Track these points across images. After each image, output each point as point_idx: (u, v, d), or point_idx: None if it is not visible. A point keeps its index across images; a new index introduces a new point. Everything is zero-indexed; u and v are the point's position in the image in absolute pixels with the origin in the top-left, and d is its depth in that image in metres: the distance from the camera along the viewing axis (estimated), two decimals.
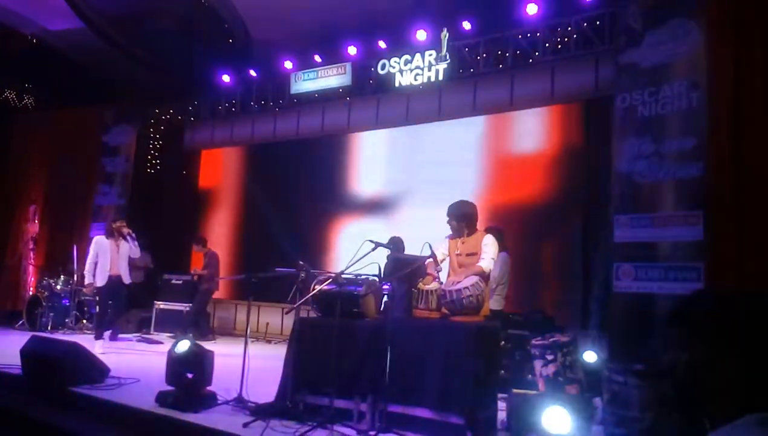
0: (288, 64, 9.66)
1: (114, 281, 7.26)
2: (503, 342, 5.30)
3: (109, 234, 7.41)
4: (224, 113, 10.71)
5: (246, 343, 4.66)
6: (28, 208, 11.01)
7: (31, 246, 10.47)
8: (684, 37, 5.63)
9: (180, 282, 9.07)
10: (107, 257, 7.24)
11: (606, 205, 6.26)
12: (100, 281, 7.18)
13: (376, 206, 9.03)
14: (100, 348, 6.73)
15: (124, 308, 7.81)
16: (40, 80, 11.79)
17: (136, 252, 7.57)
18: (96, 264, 7.19)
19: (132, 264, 10.25)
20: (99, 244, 7.30)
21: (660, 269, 5.55)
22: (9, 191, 11.35)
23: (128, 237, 7.39)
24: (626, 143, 5.95)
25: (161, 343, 7.87)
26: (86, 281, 7.34)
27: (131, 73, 10.54)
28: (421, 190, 8.56)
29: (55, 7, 9.14)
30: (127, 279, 7.45)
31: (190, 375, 4.16)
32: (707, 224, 5.22)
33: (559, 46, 7.47)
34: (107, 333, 7.34)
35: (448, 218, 4.58)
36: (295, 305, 4.22)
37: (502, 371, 5.12)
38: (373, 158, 9.28)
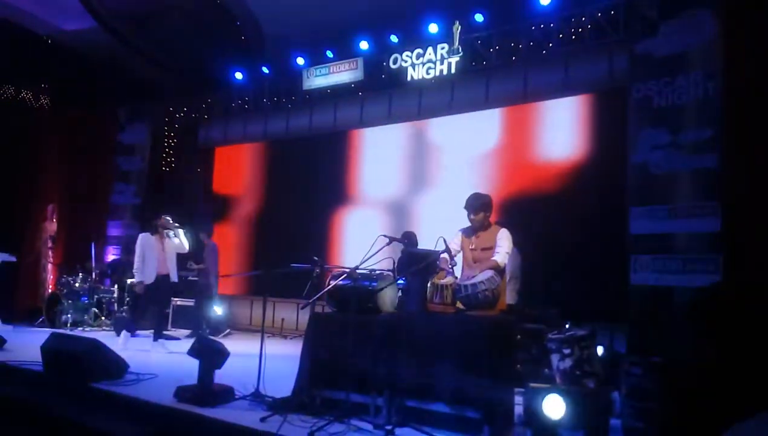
0: (300, 61, 9.68)
1: (161, 279, 7.08)
2: (519, 336, 5.27)
3: (154, 231, 7.18)
4: (237, 111, 10.76)
5: (262, 338, 4.70)
6: (45, 208, 11.16)
7: (49, 245, 10.63)
8: (699, 26, 5.54)
9: (197, 278, 9.14)
10: (154, 254, 7.02)
11: (621, 196, 6.20)
12: (149, 279, 6.98)
13: (389, 201, 9.02)
14: (121, 344, 6.76)
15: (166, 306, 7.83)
16: (55, 80, 11.90)
17: (184, 248, 7.35)
18: (143, 261, 6.98)
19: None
20: (145, 241, 7.07)
21: (677, 260, 5.50)
22: (27, 191, 11.49)
23: (174, 232, 7.18)
24: (641, 134, 5.88)
25: (179, 339, 7.95)
26: (136, 279, 7.13)
27: (145, 72, 10.64)
28: (434, 184, 8.54)
29: (70, 7, 9.23)
30: (174, 277, 7.27)
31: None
32: (724, 215, 5.15)
33: (573, 37, 7.39)
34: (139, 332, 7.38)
35: (468, 212, 4.55)
36: (310, 301, 4.24)
37: (519, 366, 5.10)
38: (385, 153, 9.26)
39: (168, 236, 7.21)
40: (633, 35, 6.16)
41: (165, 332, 8.63)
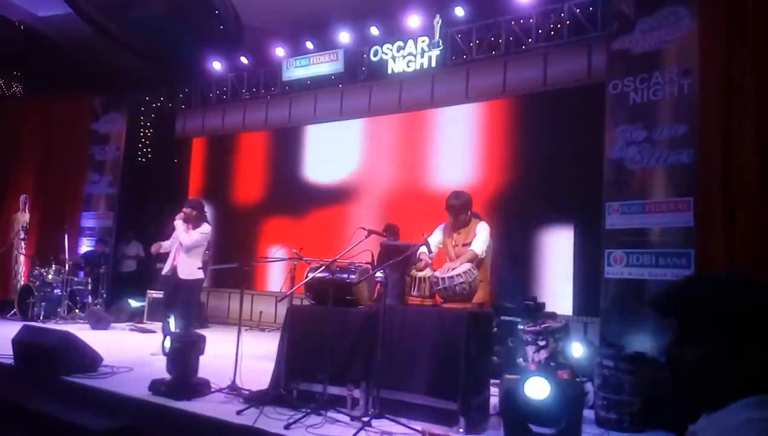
0: (280, 51, 9.59)
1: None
2: (496, 329, 5.33)
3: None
4: (215, 101, 10.64)
5: (239, 331, 4.68)
6: (18, 198, 10.92)
7: (22, 236, 10.40)
8: (676, 23, 5.63)
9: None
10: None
11: (597, 191, 6.28)
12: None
13: (369, 194, 9.02)
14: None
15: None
16: (28, 68, 11.64)
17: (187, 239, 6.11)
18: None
19: (123, 253, 10.24)
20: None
21: (651, 255, 5.60)
22: None
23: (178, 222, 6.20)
24: (618, 130, 5.96)
25: (154, 332, 7.86)
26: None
27: (121, 61, 10.42)
28: (415, 177, 8.56)
29: None
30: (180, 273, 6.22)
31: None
32: (697, 210, 5.25)
33: (552, 33, 7.46)
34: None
35: (450, 212, 4.55)
36: (287, 293, 4.22)
37: (495, 357, 5.15)
38: (365, 145, 9.24)
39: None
40: (610, 32, 6.22)
41: (140, 325, 8.56)
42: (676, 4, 5.66)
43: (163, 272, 6.22)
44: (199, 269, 6.19)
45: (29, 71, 11.59)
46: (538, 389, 3.25)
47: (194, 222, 6.13)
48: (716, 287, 1.14)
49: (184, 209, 6.17)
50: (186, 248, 6.05)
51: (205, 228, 6.22)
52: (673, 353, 1.16)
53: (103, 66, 10.98)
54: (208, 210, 10.24)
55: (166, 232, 6.56)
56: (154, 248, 6.44)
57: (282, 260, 5.02)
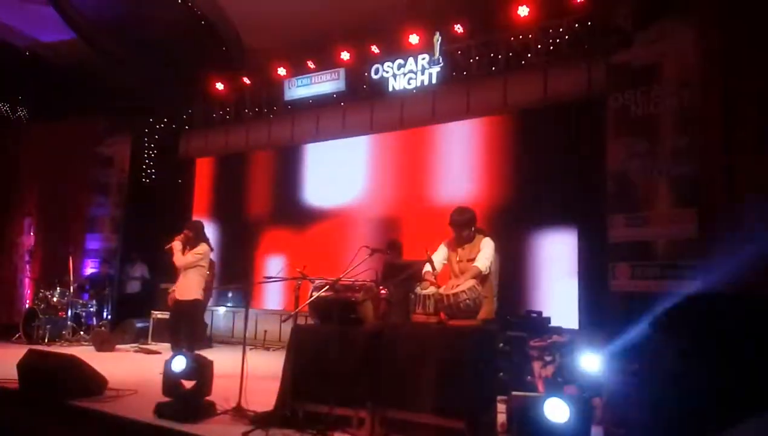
0: (281, 71, 9.68)
1: None
2: (501, 344, 5.30)
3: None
4: (219, 121, 10.72)
5: (244, 351, 4.65)
6: (22, 221, 10.98)
7: (26, 259, 10.44)
8: (674, 36, 5.67)
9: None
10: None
11: (600, 204, 6.28)
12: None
13: (373, 210, 9.03)
14: None
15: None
16: (33, 92, 11.77)
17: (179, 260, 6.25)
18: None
19: (127, 274, 10.25)
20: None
21: (656, 267, 5.57)
22: (3, 204, 11.31)
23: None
24: (620, 142, 5.97)
25: (159, 353, 7.83)
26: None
27: (125, 83, 10.54)
28: (418, 193, 8.57)
29: (49, 19, 9.15)
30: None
31: (188, 385, 4.14)
32: (701, 221, 5.24)
33: (551, 48, 7.51)
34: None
35: (454, 227, 4.56)
36: (292, 313, 4.21)
37: (501, 373, 5.12)
38: (368, 162, 9.28)
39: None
40: (609, 45, 6.26)
41: (145, 346, 8.54)
42: (673, 17, 5.70)
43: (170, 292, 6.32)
44: (198, 290, 6.21)
45: (33, 95, 11.71)
46: (557, 410, 3.20)
47: (192, 243, 6.20)
48: (717, 305, 1.14)
49: (184, 232, 6.26)
50: (180, 269, 6.15)
51: (201, 248, 6.26)
52: (677, 371, 1.16)
53: (106, 89, 11.09)
54: (214, 229, 10.34)
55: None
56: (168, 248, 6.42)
57: (286, 279, 5.02)
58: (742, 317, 1.05)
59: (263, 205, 10.18)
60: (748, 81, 4.99)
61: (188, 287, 6.15)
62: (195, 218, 10.79)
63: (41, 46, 10.31)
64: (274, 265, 9.86)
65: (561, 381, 4.32)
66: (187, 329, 6.22)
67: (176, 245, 6.19)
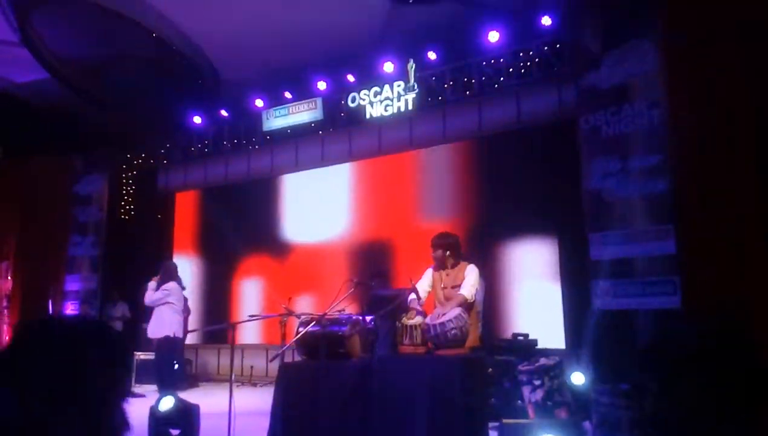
0: (259, 102, 9.72)
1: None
2: (490, 370, 5.30)
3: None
4: (197, 154, 10.69)
5: (231, 391, 4.59)
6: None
7: (4, 304, 10.20)
8: (641, 57, 5.82)
9: None
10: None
11: (580, 221, 6.36)
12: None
13: (356, 238, 9.04)
14: None
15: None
16: (7, 132, 11.62)
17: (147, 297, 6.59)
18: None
19: (108, 315, 10.05)
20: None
21: (637, 284, 5.65)
22: None
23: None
24: (594, 162, 6.09)
25: (144, 396, 7.67)
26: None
27: (101, 120, 10.48)
28: (400, 218, 8.61)
29: (22, 60, 9.09)
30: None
31: (175, 433, 4.06)
32: (678, 237, 5.34)
33: (523, 71, 7.67)
34: None
35: (432, 249, 4.63)
36: (278, 353, 4.18)
37: (492, 399, 5.12)
38: (348, 190, 9.31)
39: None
40: (578, 68, 6.42)
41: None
42: (639, 38, 5.86)
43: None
44: (170, 327, 6.37)
45: (8, 135, 11.56)
46: None
47: (162, 283, 6.51)
48: (697, 331, 1.17)
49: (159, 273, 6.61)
50: (148, 306, 6.47)
51: (168, 285, 6.49)
52: (666, 385, 1.18)
53: (82, 126, 11.02)
54: (196, 264, 10.24)
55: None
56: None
57: (272, 316, 5.00)
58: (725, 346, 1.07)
59: (245, 238, 10.11)
60: (717, 99, 5.14)
61: (160, 324, 6.35)
62: (176, 252, 10.71)
63: (15, 86, 10.22)
64: (257, 298, 9.79)
65: (551, 405, 4.34)
66: (160, 368, 6.46)
67: (151, 284, 6.47)
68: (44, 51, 9.05)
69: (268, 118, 9.63)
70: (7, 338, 10.14)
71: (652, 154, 5.73)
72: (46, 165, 11.08)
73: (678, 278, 5.35)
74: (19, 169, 11.22)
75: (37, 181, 10.99)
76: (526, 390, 4.65)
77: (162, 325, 6.35)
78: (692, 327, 1.19)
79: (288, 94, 9.50)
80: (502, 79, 7.82)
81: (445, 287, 4.61)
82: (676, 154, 5.42)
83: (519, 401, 4.94)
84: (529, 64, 7.60)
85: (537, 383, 4.59)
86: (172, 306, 6.46)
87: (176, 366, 7.05)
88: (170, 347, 6.50)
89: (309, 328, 4.37)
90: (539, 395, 4.55)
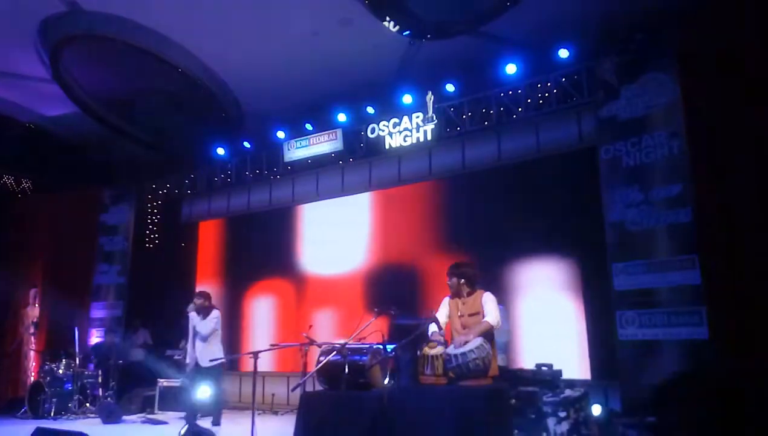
0: (281, 134, 9.93)
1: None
2: (513, 400, 5.24)
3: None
4: (220, 184, 10.90)
5: (253, 419, 4.62)
6: (28, 292, 11.01)
7: (32, 330, 10.41)
8: (659, 89, 5.87)
9: (182, 357, 8.96)
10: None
11: (602, 252, 6.33)
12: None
13: (378, 269, 9.07)
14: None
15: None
16: (37, 164, 11.98)
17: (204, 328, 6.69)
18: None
19: (131, 341, 10.17)
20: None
21: (662, 314, 5.59)
22: (9, 276, 11.35)
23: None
24: (615, 193, 6.10)
25: (166, 423, 7.72)
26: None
27: (128, 152, 10.79)
28: (420, 250, 8.64)
29: (52, 95, 9.43)
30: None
31: None
32: (703, 267, 5.29)
33: (541, 102, 7.73)
34: None
35: (447, 278, 4.67)
36: (300, 381, 4.22)
37: (516, 431, 5.05)
38: (369, 220, 9.39)
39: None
40: (597, 99, 6.47)
41: (151, 416, 8.41)
42: (656, 71, 5.93)
43: (187, 362, 6.72)
44: (219, 354, 6.65)
45: (38, 168, 11.91)
46: None
47: (204, 311, 6.69)
48: (728, 367, 1.20)
49: (195, 300, 6.73)
50: (203, 336, 6.59)
51: (215, 314, 6.79)
52: (694, 416, 1.20)
53: (110, 159, 11.36)
54: (217, 292, 10.37)
55: (179, 323, 6.99)
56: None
57: (294, 345, 5.05)
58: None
59: (267, 266, 10.22)
60: (736, 130, 5.15)
61: (211, 353, 6.55)
62: (198, 280, 10.86)
63: (45, 119, 10.58)
64: (278, 326, 9.84)
65: None
66: (215, 396, 6.72)
67: (192, 315, 6.66)
68: (74, 86, 9.39)
69: (289, 149, 9.82)
70: (33, 364, 10.30)
71: (673, 183, 5.73)
72: (75, 196, 11.41)
73: (704, 308, 5.28)
74: (49, 201, 11.56)
75: (65, 212, 11.31)
76: (551, 422, 4.59)
77: (213, 353, 6.57)
78: (722, 363, 1.22)
79: (309, 126, 9.69)
80: (520, 109, 7.89)
81: (461, 315, 4.62)
82: (697, 184, 5.42)
83: (544, 433, 4.87)
84: (547, 94, 7.67)
85: (562, 414, 4.54)
86: (218, 334, 6.80)
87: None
88: (217, 374, 6.78)
89: (330, 357, 4.40)
90: (565, 427, 4.50)
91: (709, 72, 5.66)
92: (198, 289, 9.51)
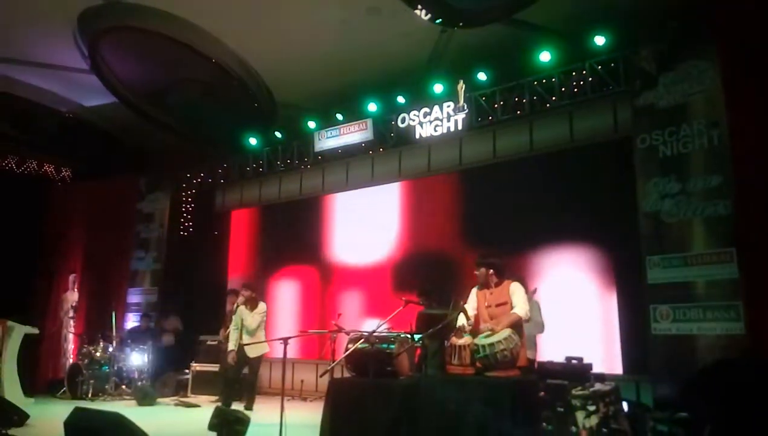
0: (311, 124, 9.99)
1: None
2: (542, 393, 5.19)
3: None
4: (252, 174, 11.04)
5: (282, 405, 4.69)
6: (67, 278, 11.39)
7: (71, 314, 10.77)
8: (698, 77, 5.68)
9: (215, 343, 9.15)
10: None
11: (636, 243, 6.19)
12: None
13: (407, 258, 9.08)
14: None
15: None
16: (76, 153, 12.33)
17: (252, 322, 7.02)
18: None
19: (161, 327, 10.42)
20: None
21: (698, 308, 5.44)
22: (49, 262, 11.77)
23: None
24: (651, 183, 5.94)
25: (199, 406, 7.91)
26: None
27: (164, 142, 11.02)
28: (450, 240, 8.60)
29: (91, 85, 9.69)
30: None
31: None
32: (740, 261, 5.13)
33: (575, 90, 7.55)
34: None
35: (476, 268, 4.65)
36: (328, 369, 4.26)
37: (544, 424, 5.00)
38: (398, 210, 9.39)
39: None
40: (633, 87, 6.30)
41: (185, 399, 8.63)
42: (696, 59, 5.73)
43: (229, 349, 6.91)
44: (266, 346, 6.93)
45: (77, 157, 12.27)
46: None
47: (252, 303, 6.98)
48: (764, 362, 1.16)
49: (242, 293, 7.02)
50: (252, 330, 6.90)
51: (262, 307, 7.09)
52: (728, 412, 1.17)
53: (146, 148, 11.63)
54: (251, 280, 10.53)
55: (212, 309, 7.28)
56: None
57: (323, 332, 5.11)
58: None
59: (296, 255, 10.33)
60: None
61: (258, 345, 6.84)
62: (230, 268, 11.06)
63: (84, 109, 10.88)
64: (307, 313, 9.95)
65: (606, 432, 4.21)
66: (252, 383, 7.15)
67: (242, 308, 6.95)
68: (111, 77, 9.61)
69: (320, 139, 9.87)
70: (72, 347, 10.67)
71: (712, 175, 5.56)
72: (113, 185, 11.73)
73: (741, 303, 5.12)
74: (87, 189, 11.90)
75: (103, 199, 11.63)
76: (580, 416, 4.53)
77: (260, 346, 6.88)
78: (758, 359, 1.18)
79: (339, 116, 9.72)
80: (553, 98, 7.73)
81: (489, 306, 4.60)
82: (737, 175, 5.24)
83: (573, 427, 4.81)
84: (581, 82, 7.49)
85: (592, 408, 4.46)
86: (264, 326, 7.12)
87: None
88: (258, 363, 7.17)
89: (358, 345, 4.43)
90: (594, 421, 4.42)
91: (753, 59, 5.45)
92: (231, 281, 9.74)
